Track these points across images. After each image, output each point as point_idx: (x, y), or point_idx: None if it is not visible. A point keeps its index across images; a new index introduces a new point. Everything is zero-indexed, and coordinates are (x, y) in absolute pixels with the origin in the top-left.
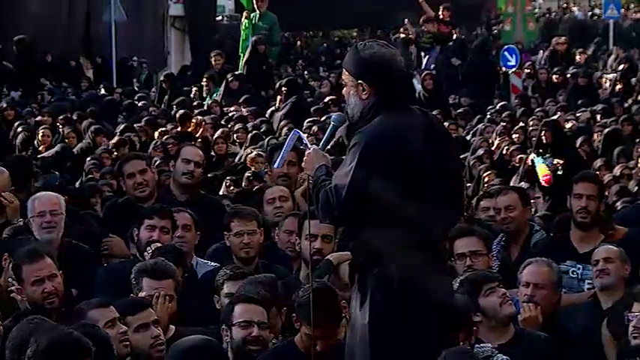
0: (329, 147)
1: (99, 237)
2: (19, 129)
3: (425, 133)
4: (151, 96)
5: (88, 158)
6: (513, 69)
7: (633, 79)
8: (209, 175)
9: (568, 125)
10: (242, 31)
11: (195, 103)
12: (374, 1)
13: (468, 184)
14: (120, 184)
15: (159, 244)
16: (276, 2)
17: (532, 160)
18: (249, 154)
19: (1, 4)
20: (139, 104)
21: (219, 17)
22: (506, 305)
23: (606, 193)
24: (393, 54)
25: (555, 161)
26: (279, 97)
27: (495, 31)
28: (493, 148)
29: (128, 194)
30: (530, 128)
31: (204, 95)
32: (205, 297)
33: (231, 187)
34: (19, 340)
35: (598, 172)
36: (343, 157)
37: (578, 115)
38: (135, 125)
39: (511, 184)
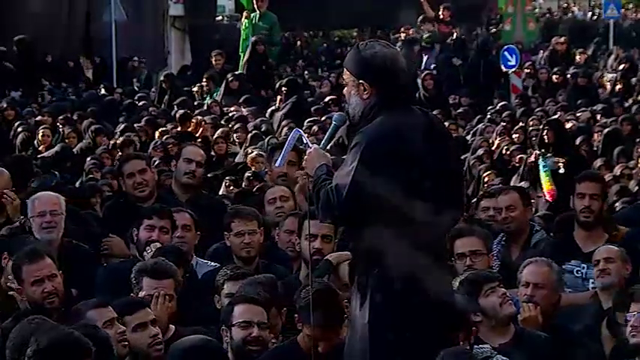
0: (329, 147)
1: (99, 237)
2: (19, 129)
3: (425, 133)
4: (151, 96)
5: (88, 158)
6: (513, 69)
7: (633, 79)
8: (209, 175)
9: (568, 125)
10: (242, 31)
11: (195, 103)
12: (374, 1)
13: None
14: (120, 184)
15: (158, 244)
16: (276, 2)
17: (536, 157)
18: (249, 153)
19: (1, 4)
20: (139, 104)
21: (219, 17)
22: (507, 305)
23: None
24: (395, 54)
25: (557, 159)
26: (279, 97)
27: (494, 30)
28: (493, 148)
29: (128, 194)
30: (530, 128)
31: (204, 95)
32: (205, 297)
33: (231, 187)
34: (20, 340)
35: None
36: (344, 156)
37: (578, 115)
38: (135, 125)
39: (511, 184)
